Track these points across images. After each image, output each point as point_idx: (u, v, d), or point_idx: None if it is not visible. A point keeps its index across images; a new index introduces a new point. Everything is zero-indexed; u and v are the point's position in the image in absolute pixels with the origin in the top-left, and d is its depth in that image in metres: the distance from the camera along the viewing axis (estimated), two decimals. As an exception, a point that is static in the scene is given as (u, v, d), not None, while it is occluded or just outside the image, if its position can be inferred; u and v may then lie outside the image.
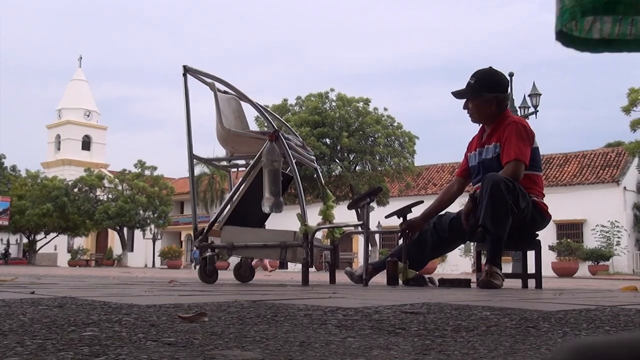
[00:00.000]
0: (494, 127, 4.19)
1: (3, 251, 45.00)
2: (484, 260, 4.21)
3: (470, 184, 4.52)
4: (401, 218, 4.42)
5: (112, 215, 38.77)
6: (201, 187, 38.96)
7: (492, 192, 3.80)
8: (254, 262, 6.10)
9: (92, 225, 41.51)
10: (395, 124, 28.59)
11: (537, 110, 18.29)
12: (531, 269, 4.35)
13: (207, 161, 4.78)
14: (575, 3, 0.61)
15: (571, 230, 30.04)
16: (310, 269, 3.93)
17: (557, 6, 0.63)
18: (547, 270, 17.80)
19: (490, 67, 4.26)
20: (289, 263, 4.37)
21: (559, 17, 0.65)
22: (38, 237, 45.03)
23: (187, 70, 4.21)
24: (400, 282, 4.27)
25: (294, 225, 3.93)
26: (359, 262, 30.96)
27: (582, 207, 30.03)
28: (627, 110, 23.90)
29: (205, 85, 4.26)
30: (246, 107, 4.59)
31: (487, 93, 4.14)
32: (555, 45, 0.72)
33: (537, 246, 4.27)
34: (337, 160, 28.90)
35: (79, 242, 47.92)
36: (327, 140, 28.49)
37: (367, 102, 28.91)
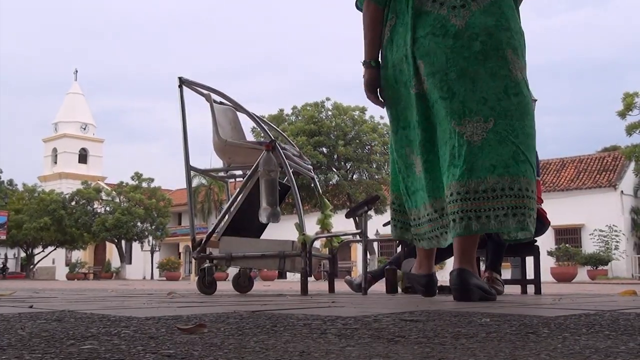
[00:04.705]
0: None
1: (1, 265, 44.78)
2: (482, 266, 4.21)
3: None
4: (399, 226, 4.42)
5: (110, 227, 38.69)
6: (199, 198, 38.92)
7: None
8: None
9: (90, 238, 41.40)
10: (392, 132, 28.64)
11: (533, 116, 18.35)
12: (530, 274, 4.35)
13: (204, 172, 4.78)
14: None
15: (569, 235, 30.06)
16: (309, 279, 3.92)
17: None
18: (546, 276, 17.80)
19: None
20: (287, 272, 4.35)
21: None
22: (36, 251, 44.87)
23: (182, 82, 4.22)
24: (400, 290, 4.26)
25: (292, 235, 3.93)
26: (358, 271, 30.88)
27: (580, 211, 30.05)
28: (622, 114, 24.03)
29: (201, 96, 4.27)
30: (242, 118, 4.59)
31: None
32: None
33: (535, 252, 4.28)
34: (334, 169, 28.94)
35: (77, 255, 47.76)
36: (324, 149, 28.54)
37: (363, 110, 28.96)
